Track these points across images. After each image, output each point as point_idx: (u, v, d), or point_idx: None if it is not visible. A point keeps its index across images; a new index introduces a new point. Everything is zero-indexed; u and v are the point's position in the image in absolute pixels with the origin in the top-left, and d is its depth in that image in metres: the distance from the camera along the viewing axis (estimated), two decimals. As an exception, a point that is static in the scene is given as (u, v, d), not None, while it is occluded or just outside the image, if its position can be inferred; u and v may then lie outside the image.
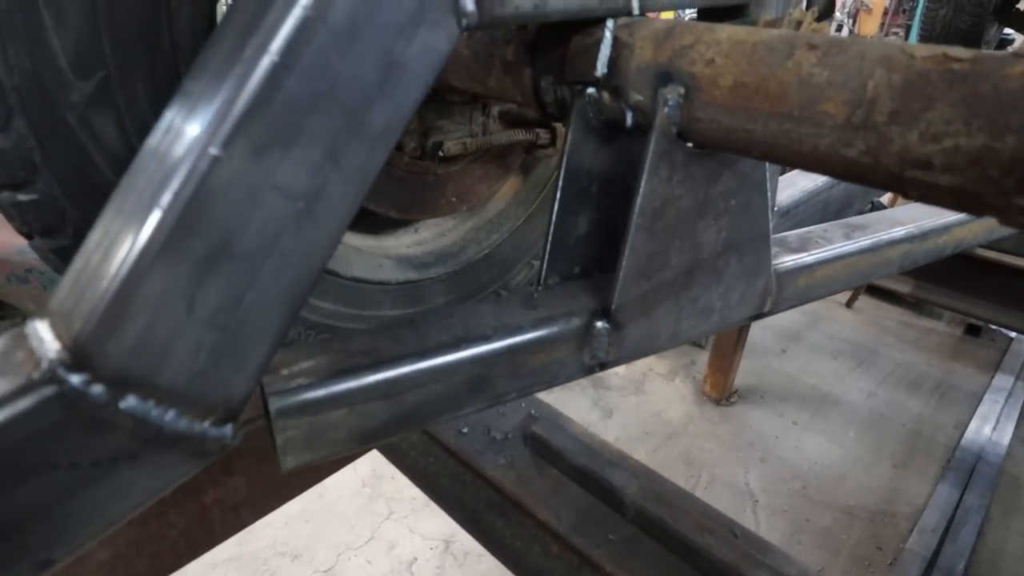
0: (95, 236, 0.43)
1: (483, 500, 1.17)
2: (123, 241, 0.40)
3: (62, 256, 0.72)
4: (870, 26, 11.36)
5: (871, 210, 1.61)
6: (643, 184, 0.64)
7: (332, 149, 0.46)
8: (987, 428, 3.63)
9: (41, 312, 0.43)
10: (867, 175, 0.49)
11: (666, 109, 0.60)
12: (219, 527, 1.28)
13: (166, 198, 0.40)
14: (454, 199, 1.18)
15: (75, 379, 0.39)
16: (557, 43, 0.71)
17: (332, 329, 1.00)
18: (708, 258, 0.74)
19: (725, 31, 0.58)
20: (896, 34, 11.03)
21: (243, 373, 0.47)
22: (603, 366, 0.72)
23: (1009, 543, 2.92)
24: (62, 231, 0.70)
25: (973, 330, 4.75)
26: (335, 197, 0.48)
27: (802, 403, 3.86)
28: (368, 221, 1.14)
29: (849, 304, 5.04)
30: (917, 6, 5.30)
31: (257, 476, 1.32)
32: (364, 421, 0.58)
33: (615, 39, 0.65)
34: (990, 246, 2.76)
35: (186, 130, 0.42)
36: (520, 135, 1.10)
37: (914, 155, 0.44)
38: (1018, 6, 4.46)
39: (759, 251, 0.79)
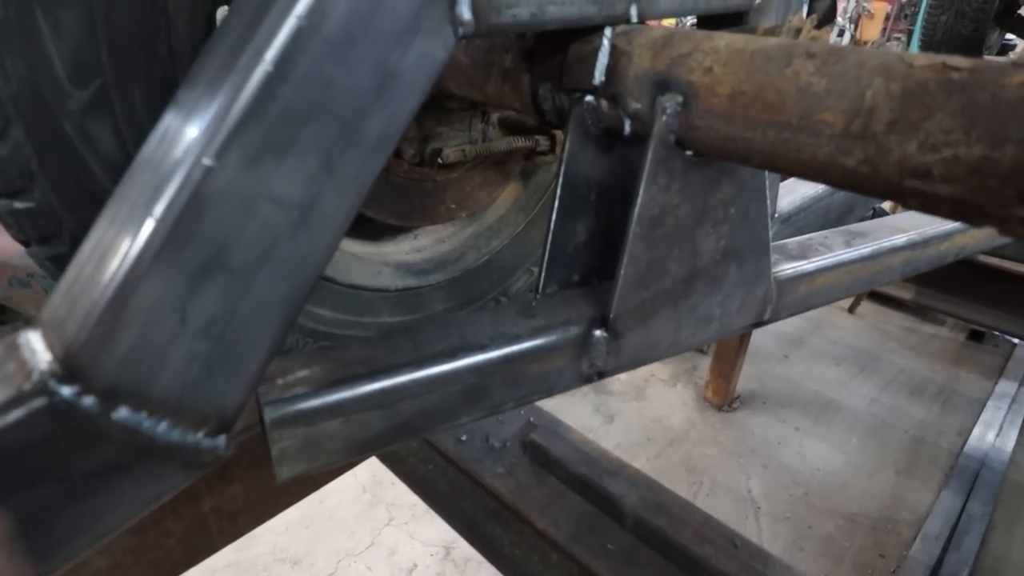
0: (88, 246, 0.42)
1: (482, 508, 1.17)
2: (116, 252, 0.40)
3: (59, 264, 0.72)
4: (872, 31, 11.37)
5: (873, 216, 1.61)
6: (641, 192, 0.64)
7: (327, 158, 0.46)
8: (990, 434, 3.61)
9: (34, 322, 0.43)
10: (866, 184, 0.48)
11: (664, 117, 0.60)
12: (217, 535, 1.28)
13: (159, 209, 0.40)
14: (453, 206, 1.18)
15: (66, 391, 0.39)
16: (555, 51, 0.71)
17: (330, 336, 1.00)
18: (707, 266, 0.73)
19: (723, 39, 0.58)
20: (898, 39, 11.05)
21: (237, 384, 0.47)
22: (601, 375, 0.72)
23: (1013, 551, 2.90)
24: (59, 239, 0.70)
25: (976, 335, 4.73)
26: (330, 206, 0.48)
27: (804, 409, 3.85)
28: (367, 228, 1.14)
29: (851, 309, 5.03)
30: (919, 12, 5.30)
31: (255, 484, 1.31)
32: (360, 431, 0.57)
33: (613, 47, 0.65)
34: (993, 252, 2.75)
35: (179, 140, 0.42)
36: (519, 142, 1.10)
37: (913, 165, 0.44)
38: (1020, 11, 4.46)
39: (759, 259, 0.78)
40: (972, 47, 4.07)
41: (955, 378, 4.28)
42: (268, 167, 0.43)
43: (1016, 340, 4.52)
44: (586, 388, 3.84)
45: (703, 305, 0.75)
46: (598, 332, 0.68)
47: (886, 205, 2.88)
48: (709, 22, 0.78)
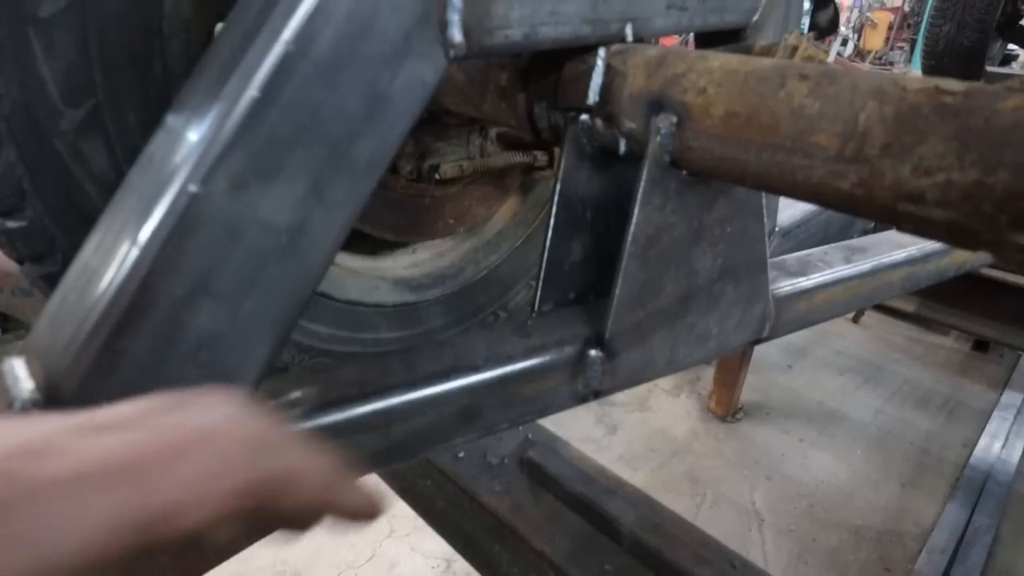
0: (73, 273, 0.42)
1: (479, 526, 1.16)
2: (100, 280, 0.40)
3: (51, 282, 0.72)
4: (876, 41, 11.39)
5: (874, 230, 1.60)
6: (636, 211, 0.63)
7: (316, 182, 0.46)
8: (996, 446, 3.58)
9: (20, 349, 0.43)
10: (860, 207, 0.48)
11: (658, 137, 0.59)
12: (212, 552, 1.26)
13: (143, 236, 0.39)
14: (451, 221, 1.17)
15: (48, 420, 0.39)
16: (550, 69, 0.71)
17: (327, 353, 0.99)
18: (704, 285, 0.73)
19: (717, 60, 0.57)
20: (902, 48, 11.05)
21: (224, 409, 0.46)
22: (597, 394, 0.71)
23: (1020, 564, 2.87)
24: (52, 257, 0.70)
25: (981, 346, 4.70)
26: (320, 230, 0.48)
27: (809, 420, 3.82)
28: (364, 243, 1.13)
29: (856, 319, 5.01)
30: (921, 22, 5.30)
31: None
32: (352, 453, 0.57)
33: (607, 66, 0.65)
34: (995, 265, 2.74)
35: (165, 167, 0.41)
36: (517, 157, 1.10)
37: (907, 189, 0.43)
38: (1022, 22, 4.46)
39: (756, 277, 0.78)
40: (974, 57, 4.06)
41: (960, 389, 4.25)
42: (255, 192, 0.43)
43: (1022, 352, 4.49)
44: (588, 399, 3.81)
45: (700, 323, 0.75)
46: (593, 352, 0.68)
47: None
48: (707, 39, 0.77)
